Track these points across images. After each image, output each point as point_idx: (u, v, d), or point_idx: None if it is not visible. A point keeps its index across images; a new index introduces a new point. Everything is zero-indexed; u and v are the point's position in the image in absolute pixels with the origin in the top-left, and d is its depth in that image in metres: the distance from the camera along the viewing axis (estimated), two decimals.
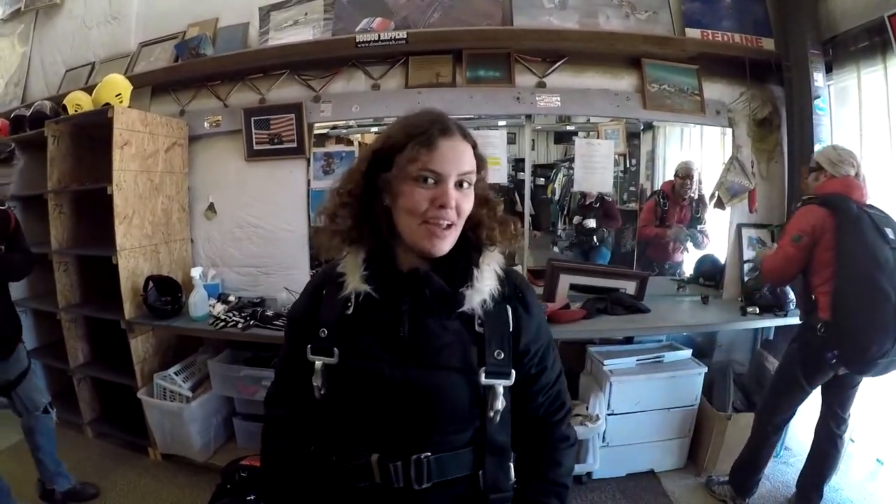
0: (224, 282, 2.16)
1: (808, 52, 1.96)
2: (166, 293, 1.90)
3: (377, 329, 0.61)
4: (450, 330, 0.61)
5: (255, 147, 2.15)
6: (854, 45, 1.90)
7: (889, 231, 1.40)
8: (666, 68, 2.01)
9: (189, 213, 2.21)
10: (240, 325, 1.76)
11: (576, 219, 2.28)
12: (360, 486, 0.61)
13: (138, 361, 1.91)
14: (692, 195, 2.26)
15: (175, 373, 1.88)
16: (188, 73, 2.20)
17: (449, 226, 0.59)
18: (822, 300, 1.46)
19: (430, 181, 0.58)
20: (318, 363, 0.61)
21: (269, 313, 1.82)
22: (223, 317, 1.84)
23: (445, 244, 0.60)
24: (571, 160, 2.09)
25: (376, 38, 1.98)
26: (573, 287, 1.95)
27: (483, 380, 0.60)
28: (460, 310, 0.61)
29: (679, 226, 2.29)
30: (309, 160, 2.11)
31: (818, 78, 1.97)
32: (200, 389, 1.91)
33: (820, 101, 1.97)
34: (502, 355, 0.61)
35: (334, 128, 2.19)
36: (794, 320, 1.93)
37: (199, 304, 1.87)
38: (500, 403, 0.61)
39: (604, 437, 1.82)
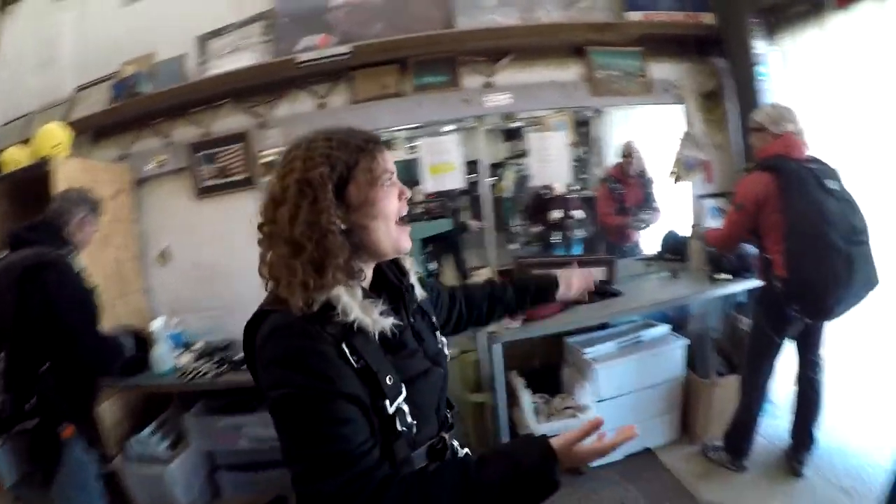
0: (187, 329, 2.05)
1: (747, 22, 2.00)
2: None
3: (408, 346, 0.66)
4: (420, 321, 0.72)
5: (204, 183, 2.07)
6: (791, 10, 1.94)
7: (831, 182, 1.45)
8: (610, 54, 2.03)
9: (142, 261, 2.12)
10: (210, 374, 1.70)
11: (555, 214, 2.20)
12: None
13: (109, 427, 1.78)
14: (639, 171, 2.28)
15: (150, 434, 1.78)
16: (128, 112, 2.11)
17: None
18: (777, 259, 1.51)
19: (391, 180, 0.64)
20: (403, 405, 0.61)
21: (239, 357, 1.75)
22: (192, 367, 1.76)
23: (409, 240, 0.68)
24: (520, 156, 2.09)
25: (319, 56, 1.93)
26: None
27: (441, 339, 0.75)
28: (418, 301, 0.73)
29: (634, 218, 2.33)
30: (261, 191, 2.06)
31: (758, 45, 2.02)
32: (179, 448, 1.82)
33: (761, 68, 2.02)
34: (435, 317, 0.78)
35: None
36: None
37: (165, 357, 1.77)
38: (447, 349, 0.76)
39: None
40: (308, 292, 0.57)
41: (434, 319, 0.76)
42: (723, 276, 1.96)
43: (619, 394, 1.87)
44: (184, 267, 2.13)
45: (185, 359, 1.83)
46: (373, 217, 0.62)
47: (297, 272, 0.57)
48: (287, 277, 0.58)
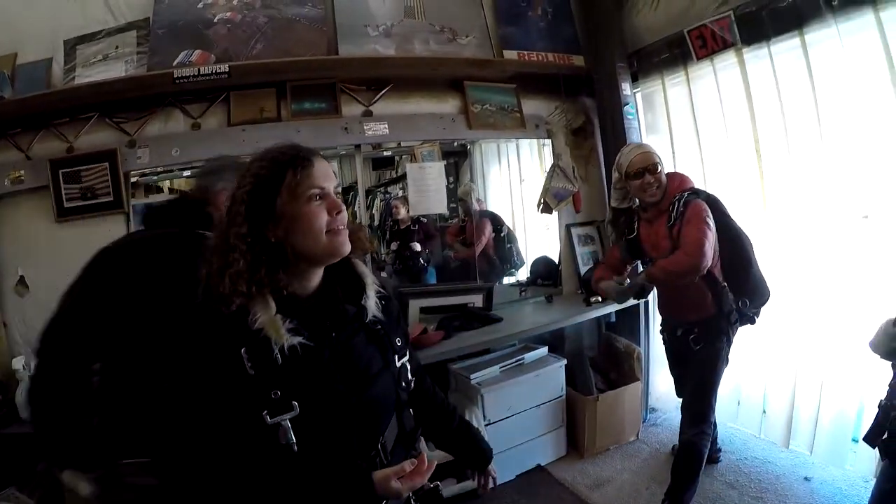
0: None
1: (615, 66, 2.20)
2: None
3: (322, 367, 0.66)
4: (363, 340, 0.72)
5: (66, 205, 1.88)
6: (657, 57, 2.16)
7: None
8: (486, 89, 2.14)
9: None
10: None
11: (393, 245, 2.27)
12: None
13: None
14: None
15: (18, 490, 1.53)
16: None
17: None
18: (732, 283, 1.54)
19: (320, 197, 0.67)
20: (286, 422, 0.63)
21: None
22: None
23: (348, 244, 0.69)
24: (387, 184, 2.12)
25: (196, 73, 1.85)
26: (423, 310, 1.99)
27: (398, 363, 0.75)
28: (367, 321, 0.72)
29: None
30: (129, 214, 1.90)
31: (626, 87, 2.23)
32: None
33: (629, 108, 2.23)
34: (401, 340, 0.77)
35: (143, 175, 2.01)
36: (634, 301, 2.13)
37: None
38: (410, 374, 0.77)
39: None
40: (225, 297, 0.63)
41: (396, 341, 0.76)
42: (596, 299, 2.10)
43: (506, 415, 1.92)
44: (43, 299, 1.90)
45: None
46: (299, 231, 0.65)
47: (223, 281, 0.63)
48: (215, 285, 0.64)
